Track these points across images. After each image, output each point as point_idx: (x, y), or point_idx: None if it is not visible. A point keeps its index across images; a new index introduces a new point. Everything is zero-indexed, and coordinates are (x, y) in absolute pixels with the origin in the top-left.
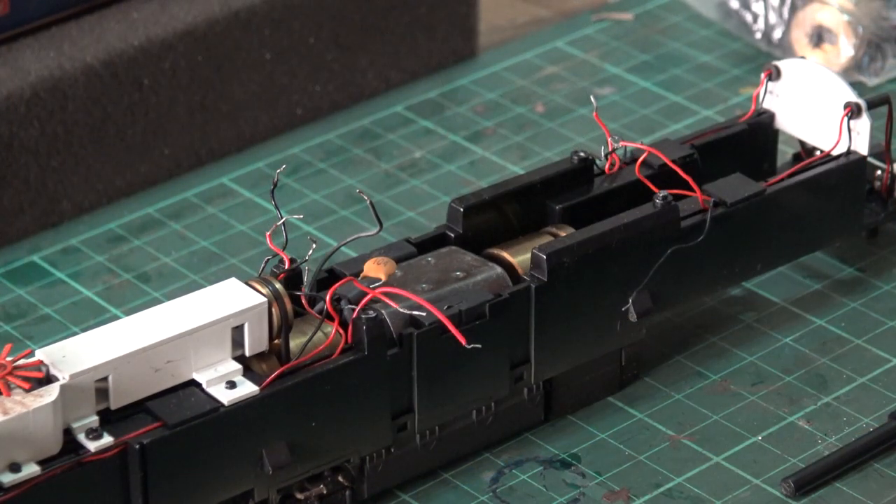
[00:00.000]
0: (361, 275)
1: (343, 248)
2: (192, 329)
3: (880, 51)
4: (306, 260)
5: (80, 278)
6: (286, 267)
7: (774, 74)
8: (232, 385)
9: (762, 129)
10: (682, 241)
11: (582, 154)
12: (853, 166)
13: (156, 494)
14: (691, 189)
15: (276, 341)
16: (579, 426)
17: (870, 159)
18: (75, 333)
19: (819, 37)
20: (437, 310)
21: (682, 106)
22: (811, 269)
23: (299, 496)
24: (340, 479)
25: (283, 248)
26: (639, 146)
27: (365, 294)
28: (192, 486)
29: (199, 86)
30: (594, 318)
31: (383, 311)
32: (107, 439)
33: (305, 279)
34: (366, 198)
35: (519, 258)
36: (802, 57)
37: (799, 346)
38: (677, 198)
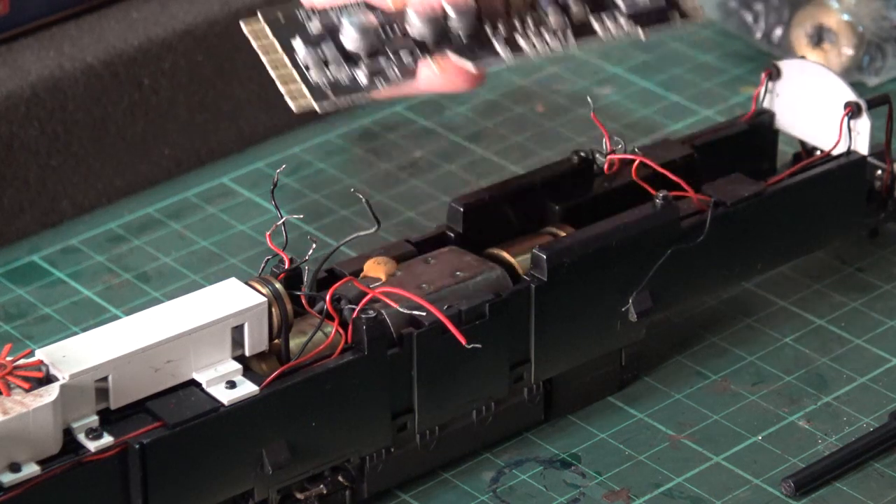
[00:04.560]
0: (361, 275)
1: (343, 248)
2: (192, 329)
3: (880, 51)
4: (306, 260)
5: (80, 278)
6: (286, 267)
7: (774, 74)
8: (232, 385)
9: (762, 129)
10: (682, 241)
11: (582, 154)
12: (853, 166)
13: (156, 494)
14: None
15: (276, 341)
16: (579, 426)
17: (870, 159)
18: (75, 333)
19: (819, 37)
20: (437, 310)
21: (682, 106)
22: (811, 269)
23: (299, 496)
24: (340, 479)
25: (283, 248)
26: (629, 157)
27: (365, 294)
28: (192, 486)
29: (199, 86)
30: (594, 318)
31: (383, 311)
32: (107, 439)
33: (305, 279)
34: (360, 196)
35: (519, 258)
36: (802, 57)
37: (799, 346)
38: (677, 198)
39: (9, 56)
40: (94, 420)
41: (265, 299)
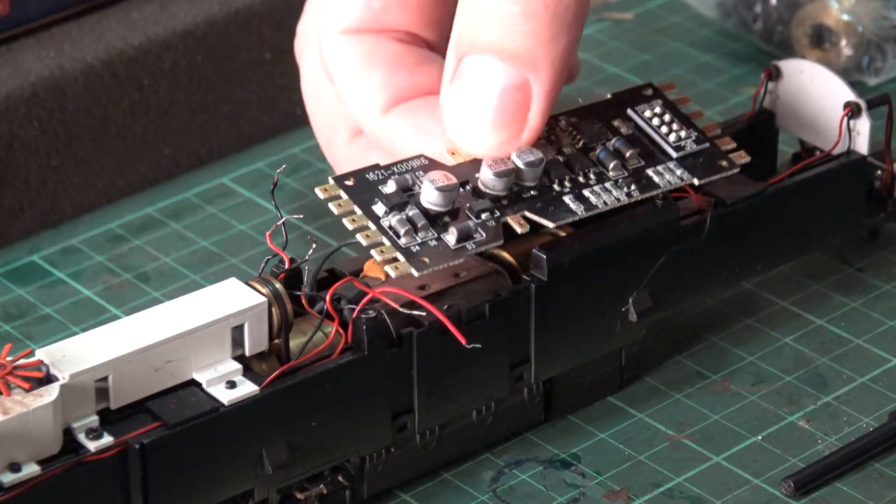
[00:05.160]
0: (361, 275)
1: (343, 248)
2: (192, 329)
3: (880, 51)
4: (306, 260)
5: (80, 278)
6: (286, 267)
7: (774, 74)
8: (232, 385)
9: (762, 129)
10: (682, 241)
11: None
12: (853, 166)
13: (156, 494)
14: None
15: (276, 341)
16: (579, 426)
17: (869, 159)
18: (75, 333)
19: (819, 37)
20: (437, 310)
21: None
22: (811, 269)
23: (299, 496)
24: (340, 479)
25: (283, 248)
26: None
27: (365, 294)
28: (192, 486)
29: (199, 86)
30: (594, 317)
31: (383, 311)
32: (107, 439)
33: (305, 279)
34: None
35: (519, 258)
36: (802, 57)
37: (799, 346)
38: (677, 198)
39: (9, 56)
40: (94, 420)
41: (265, 299)
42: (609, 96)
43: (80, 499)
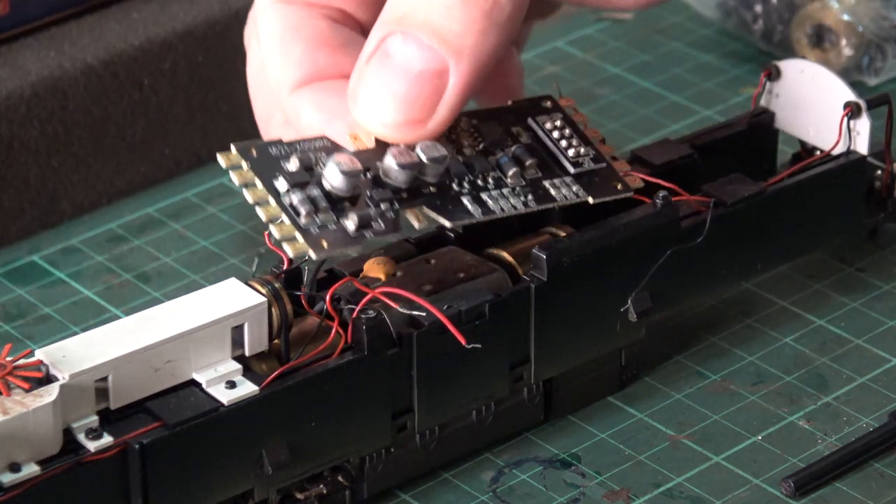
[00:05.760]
0: (361, 275)
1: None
2: (192, 329)
3: (880, 51)
4: (306, 260)
5: (80, 278)
6: (285, 267)
7: (774, 74)
8: (232, 385)
9: (762, 129)
10: (682, 241)
11: None
12: (853, 166)
13: (156, 494)
14: (690, 190)
15: (276, 341)
16: (579, 426)
17: (869, 159)
18: (75, 333)
19: (819, 37)
20: (437, 310)
21: (682, 106)
22: (811, 269)
23: (299, 496)
24: (340, 479)
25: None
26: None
27: (365, 294)
28: (192, 486)
29: (199, 86)
30: (594, 318)
31: (383, 311)
32: (107, 439)
33: (305, 279)
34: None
35: (519, 258)
36: (802, 57)
37: (799, 346)
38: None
39: (9, 56)
40: (94, 420)
41: (265, 299)
42: (509, 103)
43: (80, 499)
